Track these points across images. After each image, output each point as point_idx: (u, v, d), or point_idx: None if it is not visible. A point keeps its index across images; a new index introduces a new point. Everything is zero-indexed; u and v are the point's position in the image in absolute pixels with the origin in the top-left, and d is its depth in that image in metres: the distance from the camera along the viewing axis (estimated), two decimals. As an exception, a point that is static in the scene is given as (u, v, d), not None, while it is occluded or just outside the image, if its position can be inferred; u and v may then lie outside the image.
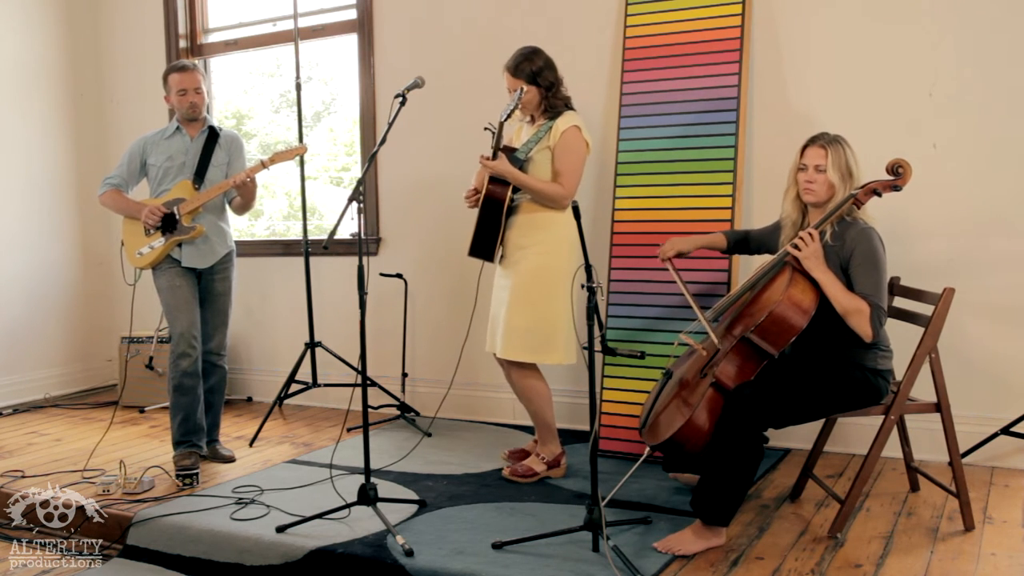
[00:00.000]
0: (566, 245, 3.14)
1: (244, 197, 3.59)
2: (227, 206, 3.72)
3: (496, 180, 3.14)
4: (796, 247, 2.58)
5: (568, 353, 3.19)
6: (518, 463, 3.32)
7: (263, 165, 3.52)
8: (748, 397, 2.51)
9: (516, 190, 3.16)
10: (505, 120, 3.09)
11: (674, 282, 3.00)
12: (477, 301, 3.48)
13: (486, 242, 3.20)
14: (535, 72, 3.15)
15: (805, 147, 2.69)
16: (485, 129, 3.22)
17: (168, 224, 3.51)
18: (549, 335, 3.15)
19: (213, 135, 3.63)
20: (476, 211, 3.25)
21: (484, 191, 3.16)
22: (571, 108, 3.23)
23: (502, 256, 3.25)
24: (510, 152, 3.16)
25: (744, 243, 3.04)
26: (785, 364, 2.66)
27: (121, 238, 3.62)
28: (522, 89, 3.09)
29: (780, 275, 2.64)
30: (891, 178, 2.60)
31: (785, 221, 2.81)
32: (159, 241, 3.52)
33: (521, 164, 3.15)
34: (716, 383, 2.60)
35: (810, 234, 2.58)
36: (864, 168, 2.70)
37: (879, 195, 2.60)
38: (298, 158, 4.18)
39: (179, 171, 3.58)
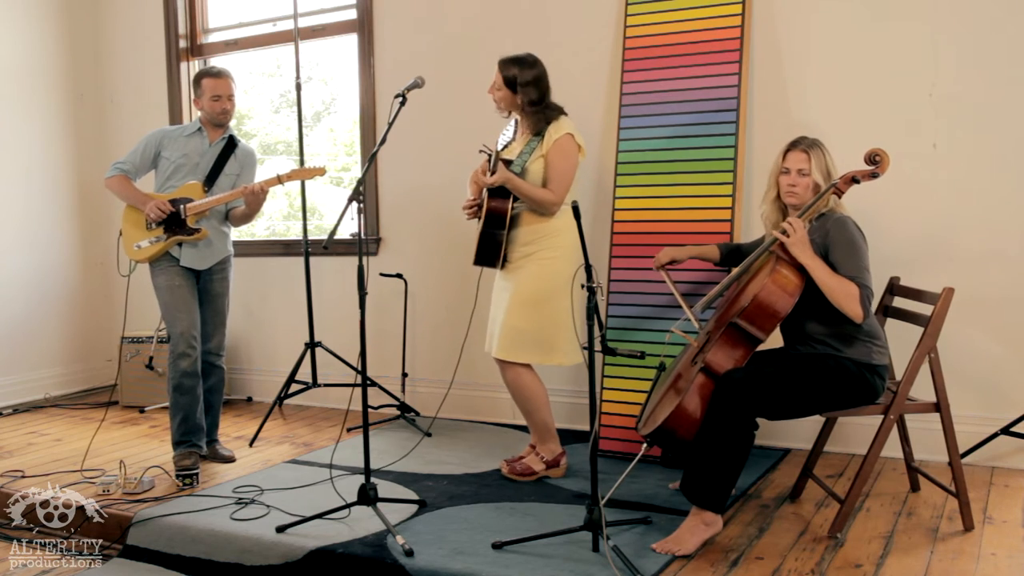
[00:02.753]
0: (568, 251, 3.16)
1: (250, 208, 3.58)
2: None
3: (496, 196, 3.17)
4: (784, 232, 2.61)
5: (570, 354, 3.20)
6: (516, 461, 3.33)
7: (279, 180, 3.50)
8: (738, 380, 2.54)
9: (515, 200, 3.18)
10: (502, 151, 3.13)
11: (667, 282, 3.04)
12: (477, 302, 3.49)
13: (490, 253, 3.24)
14: (514, 78, 3.16)
15: (787, 151, 2.74)
16: (480, 152, 3.25)
17: (172, 222, 3.51)
18: (551, 336, 3.17)
19: (231, 144, 3.64)
20: (474, 220, 3.29)
21: (486, 207, 3.18)
22: (563, 113, 3.24)
23: (505, 262, 3.26)
24: (506, 164, 3.19)
25: (736, 254, 3.07)
26: (778, 355, 2.70)
27: (120, 227, 3.62)
28: (516, 121, 3.11)
29: (765, 264, 2.70)
30: (870, 167, 2.65)
31: (765, 223, 2.87)
32: (160, 237, 3.51)
33: (517, 175, 3.17)
34: (706, 368, 2.62)
35: (793, 222, 2.62)
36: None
37: (858, 182, 2.65)
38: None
39: (191, 171, 3.58)
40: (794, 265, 2.60)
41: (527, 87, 3.16)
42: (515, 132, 3.09)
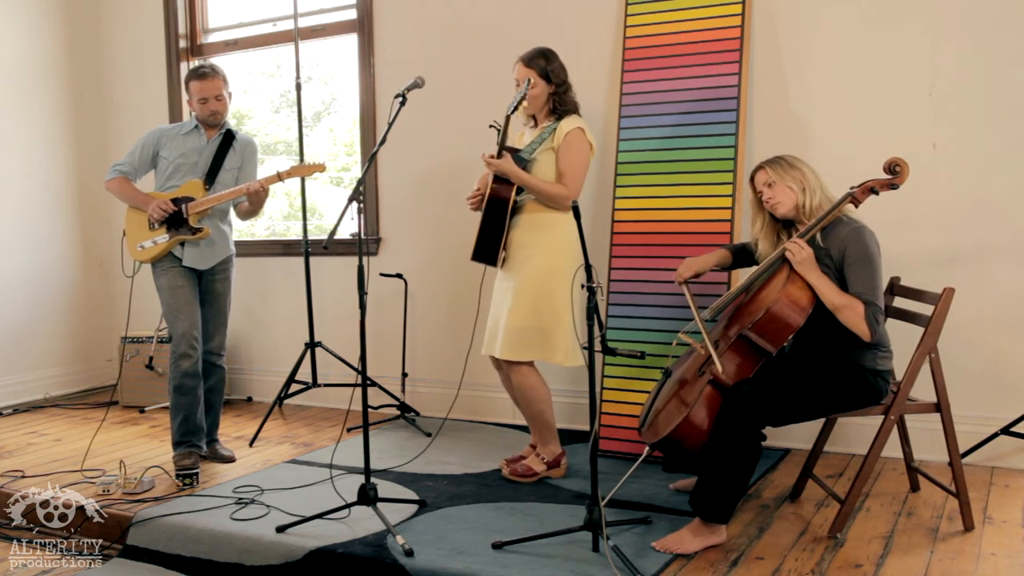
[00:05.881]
0: (569, 246, 3.14)
1: (253, 205, 3.58)
2: (232, 210, 3.71)
3: (500, 180, 3.14)
4: (790, 252, 2.59)
5: (570, 355, 3.17)
6: (517, 463, 3.32)
7: (279, 177, 3.49)
8: (747, 394, 2.51)
9: (520, 190, 3.16)
10: (512, 114, 3.10)
11: (674, 283, 3.00)
12: (480, 305, 3.47)
13: (490, 244, 3.20)
14: (547, 69, 3.19)
15: (751, 180, 2.78)
16: (490, 127, 3.23)
17: (174, 221, 3.50)
18: (551, 334, 3.15)
19: (229, 138, 3.63)
20: (478, 212, 3.26)
21: (488, 191, 3.15)
22: (578, 113, 3.25)
23: (505, 258, 3.24)
24: (514, 153, 3.16)
25: (744, 253, 3.02)
26: (785, 363, 2.68)
27: (123, 228, 3.61)
28: (529, 81, 3.11)
29: (778, 273, 2.65)
30: (888, 177, 2.61)
31: (761, 258, 2.84)
32: (163, 237, 3.51)
33: (525, 165, 3.15)
34: (714, 380, 2.60)
35: (798, 241, 2.59)
36: (864, 169, 2.70)
37: (876, 193, 2.60)
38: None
39: (191, 169, 3.57)
40: (804, 281, 2.58)
41: (554, 71, 3.20)
42: (524, 93, 3.09)
